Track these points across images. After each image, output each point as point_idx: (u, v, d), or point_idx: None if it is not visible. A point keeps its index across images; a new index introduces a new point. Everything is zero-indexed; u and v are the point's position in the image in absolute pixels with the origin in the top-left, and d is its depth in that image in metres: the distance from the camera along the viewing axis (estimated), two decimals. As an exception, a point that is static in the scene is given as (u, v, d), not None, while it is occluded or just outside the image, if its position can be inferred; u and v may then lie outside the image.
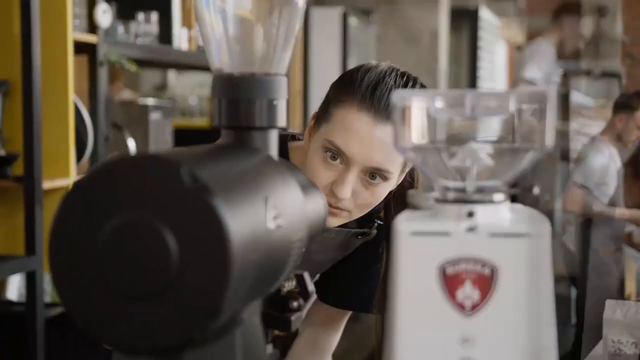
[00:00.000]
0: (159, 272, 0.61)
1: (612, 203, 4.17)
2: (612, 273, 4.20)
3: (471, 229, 0.68)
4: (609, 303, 1.99)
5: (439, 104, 0.71)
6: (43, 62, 2.37)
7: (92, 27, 2.62)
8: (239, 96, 0.81)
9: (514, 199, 0.75)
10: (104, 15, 2.60)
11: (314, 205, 0.85)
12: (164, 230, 0.61)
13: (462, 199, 0.70)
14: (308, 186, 0.86)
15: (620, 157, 4.16)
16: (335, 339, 1.49)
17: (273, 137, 0.83)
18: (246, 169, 0.71)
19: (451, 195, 0.71)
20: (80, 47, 2.59)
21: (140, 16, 2.98)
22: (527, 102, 0.70)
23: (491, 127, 0.78)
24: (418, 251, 0.69)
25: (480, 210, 0.69)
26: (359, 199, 1.25)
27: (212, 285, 0.60)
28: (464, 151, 0.72)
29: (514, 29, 8.88)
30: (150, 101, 3.12)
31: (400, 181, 1.32)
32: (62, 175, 2.46)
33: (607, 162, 4.13)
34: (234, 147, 0.78)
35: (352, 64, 5.92)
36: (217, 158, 0.70)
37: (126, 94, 3.70)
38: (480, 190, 0.71)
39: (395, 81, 1.25)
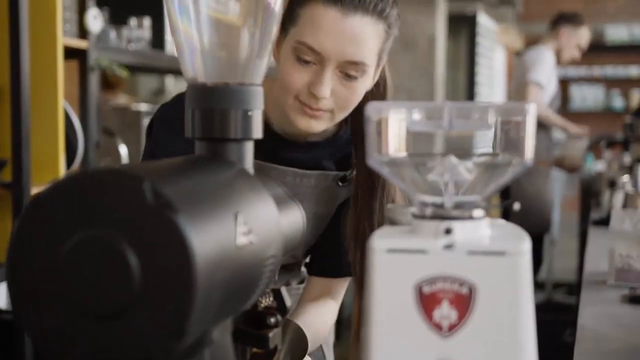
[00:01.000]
0: (120, 291, 0.58)
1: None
2: (546, 185, 4.38)
3: (448, 247, 0.66)
4: (615, 212, 1.89)
5: (416, 116, 0.69)
6: (32, 67, 2.34)
7: (83, 33, 2.59)
8: (213, 107, 0.79)
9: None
10: (95, 20, 2.58)
11: (290, 218, 0.82)
12: (125, 247, 0.58)
13: (440, 215, 0.68)
14: (284, 199, 0.84)
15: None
16: (334, 310, 1.42)
17: (248, 148, 0.80)
18: (216, 184, 0.69)
19: (429, 211, 0.69)
20: (71, 53, 2.56)
21: (133, 21, 2.95)
22: (507, 116, 0.67)
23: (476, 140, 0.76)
24: (394, 269, 0.66)
25: (458, 227, 0.67)
26: (338, 97, 1.22)
27: (176, 305, 0.58)
28: (442, 165, 0.69)
29: (513, 34, 8.87)
30: (144, 107, 3.10)
31: (376, 79, 1.29)
32: (51, 181, 2.43)
33: (552, 66, 4.36)
34: (206, 160, 0.75)
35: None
36: (185, 172, 0.67)
37: (122, 99, 3.68)
38: (458, 205, 0.69)
39: None
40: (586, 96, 10.06)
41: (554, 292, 5.36)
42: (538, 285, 5.41)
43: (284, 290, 0.86)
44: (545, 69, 4.33)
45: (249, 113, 0.79)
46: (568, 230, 6.36)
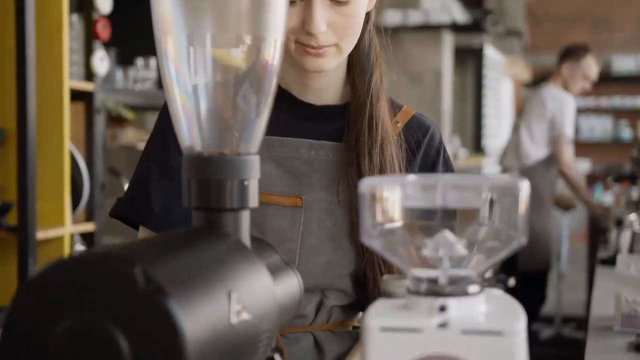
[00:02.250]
0: (111, 376, 0.58)
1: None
2: (550, 222, 4.37)
3: (443, 325, 0.65)
4: (621, 257, 1.86)
5: (410, 191, 0.69)
6: (39, 110, 2.36)
7: (90, 75, 2.61)
8: (209, 177, 0.79)
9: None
10: (102, 62, 2.60)
11: (286, 288, 0.82)
12: (116, 333, 0.58)
13: (435, 291, 0.68)
14: (279, 267, 0.83)
15: None
16: None
17: (244, 218, 0.80)
18: (210, 260, 0.69)
19: (423, 287, 0.68)
20: (78, 95, 2.58)
21: (139, 62, 2.97)
22: (500, 193, 0.67)
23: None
24: (388, 348, 0.66)
25: (453, 304, 0.66)
26: (336, 27, 1.14)
27: (168, 390, 0.58)
28: (437, 241, 0.69)
29: (520, 66, 8.89)
30: (150, 146, 3.10)
31: (374, 0, 1.22)
32: (57, 224, 2.43)
33: (574, 112, 4.40)
34: (201, 233, 0.75)
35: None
36: (178, 250, 0.67)
37: (130, 134, 3.69)
38: (453, 281, 0.68)
39: None
40: (594, 127, 10.07)
41: (563, 327, 5.31)
42: (547, 320, 5.37)
43: (277, 357, 0.85)
44: (572, 119, 4.37)
45: (245, 182, 0.79)
46: (577, 264, 6.33)
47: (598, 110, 10.06)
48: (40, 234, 2.36)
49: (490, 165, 7.52)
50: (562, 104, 4.37)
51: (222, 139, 0.80)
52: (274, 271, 0.79)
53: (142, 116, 3.60)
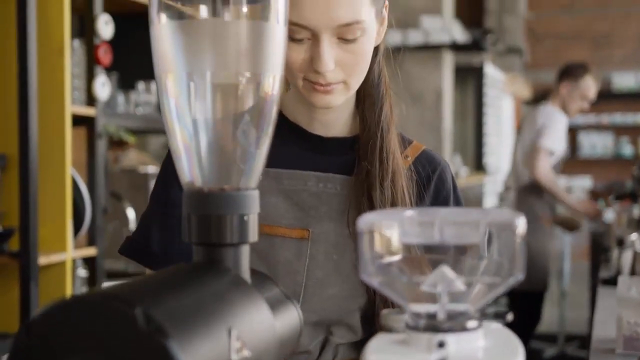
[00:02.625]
0: (112, 417, 0.58)
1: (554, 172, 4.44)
2: (547, 242, 4.35)
3: (441, 362, 0.66)
4: (622, 279, 1.86)
5: (408, 227, 0.70)
6: (41, 135, 2.37)
7: (91, 99, 2.62)
8: (209, 212, 0.79)
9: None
10: (103, 87, 2.61)
11: (286, 321, 0.82)
12: (117, 373, 0.59)
13: (433, 326, 0.68)
14: (280, 300, 0.84)
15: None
16: None
17: (244, 252, 0.81)
18: (209, 298, 0.69)
19: (422, 322, 0.69)
20: (79, 119, 2.59)
21: (141, 85, 2.99)
22: (497, 229, 0.68)
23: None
24: (387, 384, 0.66)
25: (452, 339, 0.67)
26: (344, 65, 1.13)
27: None
28: (435, 276, 0.69)
29: (520, 83, 8.92)
30: (152, 169, 3.12)
31: (382, 34, 1.21)
32: (59, 250, 2.44)
33: (563, 129, 4.37)
34: (201, 269, 0.76)
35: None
36: (178, 288, 0.68)
37: (132, 156, 3.70)
38: (451, 316, 0.69)
39: None
40: (595, 143, 10.08)
41: (566, 346, 5.30)
42: (550, 339, 5.36)
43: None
44: (557, 134, 4.34)
45: (245, 217, 0.80)
46: (580, 281, 6.32)
47: (599, 127, 10.09)
48: (42, 260, 2.36)
49: (491, 184, 7.53)
50: (550, 118, 4.38)
51: (222, 175, 0.81)
52: (274, 305, 0.79)
53: (143, 139, 3.61)
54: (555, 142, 4.30)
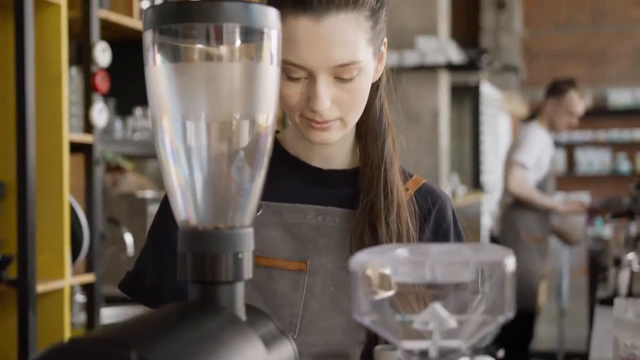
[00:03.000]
0: None
1: (540, 189, 4.37)
2: (533, 261, 4.29)
3: (434, 400, 0.67)
4: (618, 302, 1.86)
5: (400, 267, 0.71)
6: (39, 163, 2.39)
7: (89, 127, 2.64)
8: (204, 250, 0.80)
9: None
10: (100, 114, 2.63)
11: (281, 357, 0.83)
12: (113, 417, 0.59)
13: (426, 364, 0.69)
14: (274, 336, 0.85)
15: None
16: None
17: (239, 290, 0.82)
18: (204, 338, 0.70)
19: (414, 359, 0.70)
20: (77, 146, 2.61)
21: (138, 111, 3.01)
22: (487, 268, 0.69)
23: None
24: (380, 423, 0.67)
25: (444, 377, 0.68)
26: (341, 103, 1.14)
27: None
28: (427, 314, 0.71)
29: (516, 101, 8.95)
30: (150, 194, 3.13)
31: (381, 70, 1.22)
32: (57, 277, 2.45)
33: (542, 145, 4.32)
34: (196, 307, 0.77)
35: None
36: (173, 328, 0.69)
37: (131, 179, 3.71)
38: (443, 353, 0.70)
39: None
40: (592, 160, 10.11)
41: (566, 364, 5.30)
42: (549, 357, 5.35)
43: None
44: (532, 149, 4.31)
45: (240, 255, 0.81)
46: (579, 298, 6.31)
47: (596, 144, 10.12)
48: (40, 287, 2.37)
49: (488, 202, 7.54)
50: (527, 134, 4.38)
51: (216, 213, 0.82)
52: (269, 341, 0.80)
53: (141, 162, 3.62)
54: (528, 156, 4.28)
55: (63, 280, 2.46)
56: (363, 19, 1.13)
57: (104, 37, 2.72)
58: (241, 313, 0.81)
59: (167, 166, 0.83)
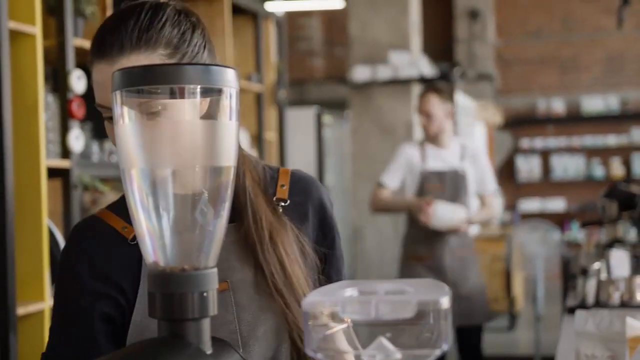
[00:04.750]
0: None
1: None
2: (473, 272, 4.11)
3: None
4: (579, 313, 1.92)
5: (347, 307, 0.78)
6: (17, 188, 2.44)
7: (66, 152, 2.70)
8: (172, 290, 0.88)
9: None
10: (77, 140, 2.69)
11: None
12: None
13: (372, 394, 0.77)
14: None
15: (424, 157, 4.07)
16: None
17: (205, 325, 0.89)
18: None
19: (362, 391, 0.77)
20: (54, 172, 2.67)
21: (114, 134, 3.07)
22: (426, 307, 0.77)
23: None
24: None
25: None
26: None
27: None
28: (374, 347, 0.78)
29: (491, 109, 9.07)
30: (126, 214, 3.18)
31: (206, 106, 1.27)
32: (37, 299, 2.50)
33: (404, 162, 4.07)
34: (164, 344, 0.84)
35: (328, 161, 6.05)
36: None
37: (110, 198, 3.76)
38: (389, 384, 0.77)
39: (123, 13, 1.19)
40: (567, 166, 10.25)
41: (543, 370, 5.39)
42: (526, 363, 5.44)
43: None
44: (392, 166, 4.11)
45: (205, 294, 0.88)
46: (554, 302, 6.42)
47: (570, 150, 10.27)
48: (21, 310, 2.42)
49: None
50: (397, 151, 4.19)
51: (182, 255, 0.90)
52: (234, 372, 0.88)
53: (119, 182, 3.68)
54: (387, 175, 4.08)
55: (43, 303, 2.52)
56: (159, 57, 1.17)
57: (78, 62, 2.78)
58: (207, 347, 0.88)
59: (136, 213, 0.90)
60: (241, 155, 1.29)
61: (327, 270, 1.33)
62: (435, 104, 3.96)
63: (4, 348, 2.35)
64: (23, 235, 2.49)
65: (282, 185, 1.31)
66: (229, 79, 0.88)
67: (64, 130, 2.68)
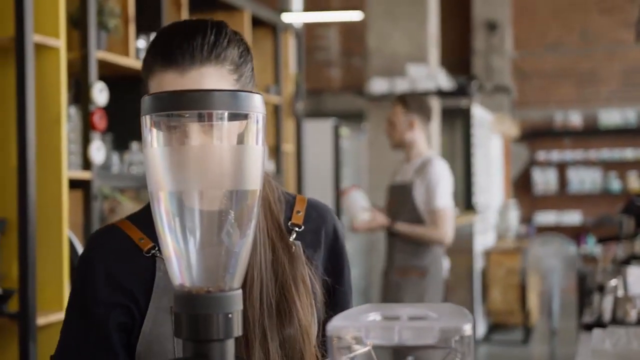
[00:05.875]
0: None
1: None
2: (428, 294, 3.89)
3: None
4: (597, 332, 1.93)
5: (371, 332, 0.80)
6: (39, 200, 2.47)
7: (87, 164, 2.73)
8: (198, 312, 0.89)
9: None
10: (98, 152, 2.72)
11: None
12: None
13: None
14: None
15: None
16: None
17: (229, 346, 0.91)
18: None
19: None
20: (76, 183, 2.70)
21: (135, 145, 3.10)
22: (448, 333, 0.78)
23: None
24: None
25: None
26: None
27: None
28: (396, 371, 0.79)
29: (508, 122, 9.06)
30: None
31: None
32: (57, 309, 2.53)
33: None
34: (190, 365, 0.85)
35: (345, 172, 6.07)
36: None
37: (128, 207, 3.78)
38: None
39: (188, 26, 1.22)
40: (584, 179, 10.21)
41: (558, 385, 5.38)
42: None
43: None
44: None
45: (230, 315, 0.90)
46: (570, 316, 6.38)
47: (587, 163, 10.23)
48: (41, 320, 2.45)
49: (481, 223, 7.62)
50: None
51: (208, 277, 0.91)
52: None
53: (138, 192, 3.71)
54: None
55: (62, 313, 2.54)
56: (226, 72, 1.21)
57: (100, 75, 2.82)
58: (231, 371, 0.90)
59: (164, 235, 0.92)
60: (265, 178, 1.31)
61: (333, 303, 1.33)
62: (398, 113, 3.94)
63: (24, 357, 2.37)
64: (44, 246, 2.52)
65: (298, 212, 1.33)
66: (256, 105, 0.90)
67: (86, 141, 2.72)
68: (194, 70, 1.19)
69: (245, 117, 0.90)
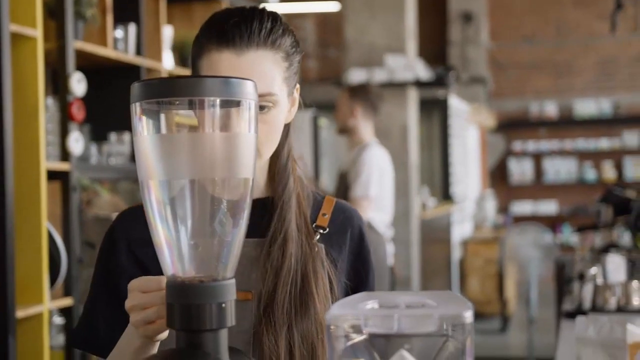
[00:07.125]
0: None
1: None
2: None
3: None
4: (580, 319, 1.92)
5: (370, 320, 0.78)
6: (17, 192, 2.44)
7: (65, 155, 2.69)
8: (190, 302, 0.88)
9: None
10: (76, 143, 2.68)
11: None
12: None
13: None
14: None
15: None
16: None
17: (223, 336, 0.89)
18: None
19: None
20: (54, 174, 2.66)
21: (113, 137, 3.07)
22: (448, 321, 0.77)
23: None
24: None
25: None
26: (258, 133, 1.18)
27: None
28: (395, 358, 0.78)
29: (484, 112, 9.09)
30: (124, 216, 3.17)
31: (294, 112, 1.29)
32: (36, 302, 2.50)
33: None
34: (182, 355, 0.84)
35: (324, 163, 6.06)
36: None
37: (105, 198, 3.75)
38: (409, 397, 0.78)
39: (244, 10, 1.24)
40: (559, 169, 10.28)
41: (536, 372, 5.42)
42: (518, 365, 5.47)
43: None
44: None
45: (223, 305, 0.89)
46: (547, 306, 6.42)
47: (562, 153, 10.30)
48: (20, 313, 2.42)
49: (458, 212, 7.65)
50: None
51: (201, 266, 0.90)
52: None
53: (115, 183, 3.68)
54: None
55: (42, 305, 2.51)
56: (280, 59, 1.22)
57: (78, 65, 2.78)
58: (224, 357, 0.88)
59: (155, 224, 0.90)
60: (292, 164, 1.30)
61: None
62: (343, 99, 4.05)
63: (3, 350, 2.34)
64: (22, 238, 2.48)
65: (324, 214, 1.31)
66: (248, 91, 0.89)
67: (64, 132, 2.68)
68: (252, 52, 1.19)
69: (237, 104, 0.88)
